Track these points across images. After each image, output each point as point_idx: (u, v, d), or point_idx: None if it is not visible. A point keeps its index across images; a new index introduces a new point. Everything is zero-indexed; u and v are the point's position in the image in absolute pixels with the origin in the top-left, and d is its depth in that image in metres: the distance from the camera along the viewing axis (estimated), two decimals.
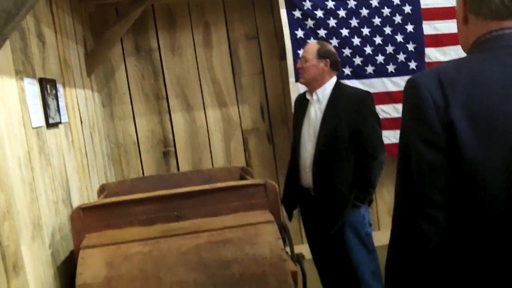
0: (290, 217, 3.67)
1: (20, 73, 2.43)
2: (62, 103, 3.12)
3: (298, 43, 4.60)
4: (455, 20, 1.59)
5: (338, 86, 3.37)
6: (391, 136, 4.58)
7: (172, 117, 4.92)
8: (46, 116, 2.76)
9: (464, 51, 1.56)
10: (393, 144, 4.36)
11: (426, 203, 1.32)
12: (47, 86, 2.80)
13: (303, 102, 3.52)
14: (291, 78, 4.62)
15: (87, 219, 2.63)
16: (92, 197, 3.65)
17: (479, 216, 1.30)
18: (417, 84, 1.34)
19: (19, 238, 2.15)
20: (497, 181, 1.28)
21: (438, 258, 1.35)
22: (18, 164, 2.25)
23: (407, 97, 1.38)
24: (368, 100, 3.28)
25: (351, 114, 3.23)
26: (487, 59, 1.36)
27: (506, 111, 1.27)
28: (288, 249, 2.74)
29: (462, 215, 1.32)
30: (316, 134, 3.32)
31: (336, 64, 3.41)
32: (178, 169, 4.93)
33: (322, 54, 3.35)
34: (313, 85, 3.39)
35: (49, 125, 2.79)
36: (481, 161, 1.27)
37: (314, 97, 3.39)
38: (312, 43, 3.50)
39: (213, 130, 4.99)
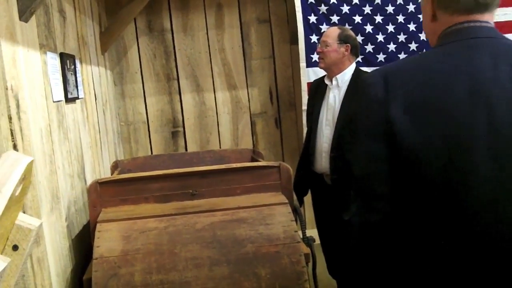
0: (300, 203, 3.57)
1: (43, 47, 2.45)
2: (79, 79, 3.14)
3: (310, 28, 4.59)
4: None
5: (357, 72, 3.33)
6: None
7: (182, 98, 4.94)
8: (66, 91, 2.79)
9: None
10: None
11: (370, 196, 1.40)
12: (67, 61, 2.83)
13: (320, 87, 3.48)
14: (302, 63, 4.60)
15: (104, 193, 2.67)
16: (104, 173, 3.69)
17: (420, 201, 1.36)
18: (365, 83, 1.45)
19: (40, 209, 2.18)
20: (435, 166, 1.33)
21: (392, 244, 1.41)
22: (40, 136, 2.28)
23: (357, 94, 1.48)
24: None
25: None
26: (442, 52, 1.42)
27: (449, 102, 1.32)
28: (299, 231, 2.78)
29: (405, 201, 1.38)
30: (335, 119, 3.27)
31: (356, 49, 3.37)
32: (186, 149, 4.96)
33: (343, 39, 3.30)
34: (333, 70, 3.34)
35: (67, 100, 2.82)
36: (420, 149, 1.33)
37: (334, 82, 3.34)
38: (333, 28, 3.46)
39: (221, 112, 5.02)
